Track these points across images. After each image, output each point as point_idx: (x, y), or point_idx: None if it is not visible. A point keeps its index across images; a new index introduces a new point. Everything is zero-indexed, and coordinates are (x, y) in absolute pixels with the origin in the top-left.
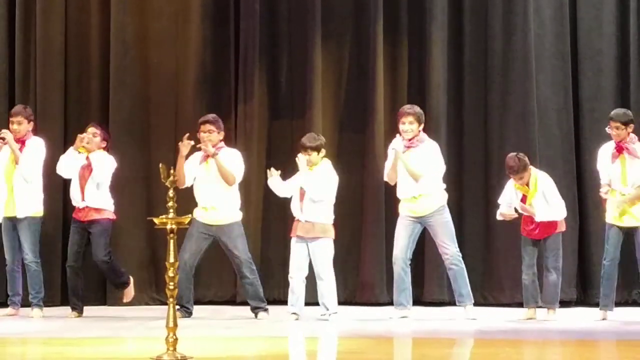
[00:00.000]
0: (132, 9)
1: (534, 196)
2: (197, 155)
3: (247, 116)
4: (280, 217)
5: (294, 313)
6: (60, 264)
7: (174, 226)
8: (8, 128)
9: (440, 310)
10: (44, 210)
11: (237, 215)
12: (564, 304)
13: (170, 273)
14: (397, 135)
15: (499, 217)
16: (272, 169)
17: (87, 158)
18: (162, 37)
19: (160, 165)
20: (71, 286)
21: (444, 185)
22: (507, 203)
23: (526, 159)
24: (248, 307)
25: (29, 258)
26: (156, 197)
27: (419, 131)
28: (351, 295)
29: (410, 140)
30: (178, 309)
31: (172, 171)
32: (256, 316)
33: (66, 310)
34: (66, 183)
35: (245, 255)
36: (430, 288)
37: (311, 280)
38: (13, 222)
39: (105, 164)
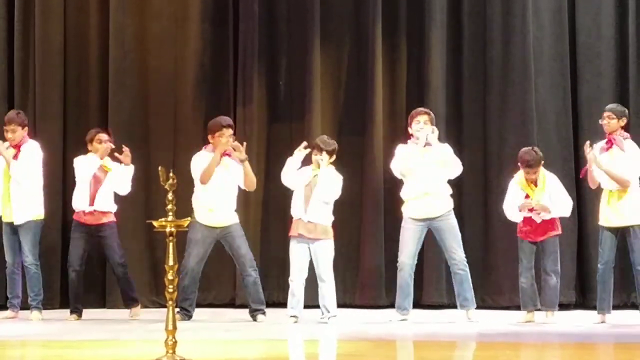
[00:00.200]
0: (131, 10)
1: (541, 195)
2: (209, 157)
3: (246, 118)
4: (280, 219)
5: (294, 316)
6: (60, 267)
7: (173, 229)
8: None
9: (440, 313)
10: (44, 213)
11: (236, 217)
12: (563, 306)
13: (170, 276)
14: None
15: (514, 216)
16: (305, 145)
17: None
18: (161, 39)
19: (160, 168)
20: (74, 290)
21: (451, 190)
22: (513, 205)
23: (541, 153)
24: (247, 310)
25: (29, 260)
26: (155, 200)
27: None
28: (350, 297)
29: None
30: (178, 312)
31: (171, 174)
32: (255, 319)
33: (65, 313)
34: (65, 186)
35: (250, 254)
36: (429, 291)
37: (309, 283)
38: (13, 225)
39: (123, 172)
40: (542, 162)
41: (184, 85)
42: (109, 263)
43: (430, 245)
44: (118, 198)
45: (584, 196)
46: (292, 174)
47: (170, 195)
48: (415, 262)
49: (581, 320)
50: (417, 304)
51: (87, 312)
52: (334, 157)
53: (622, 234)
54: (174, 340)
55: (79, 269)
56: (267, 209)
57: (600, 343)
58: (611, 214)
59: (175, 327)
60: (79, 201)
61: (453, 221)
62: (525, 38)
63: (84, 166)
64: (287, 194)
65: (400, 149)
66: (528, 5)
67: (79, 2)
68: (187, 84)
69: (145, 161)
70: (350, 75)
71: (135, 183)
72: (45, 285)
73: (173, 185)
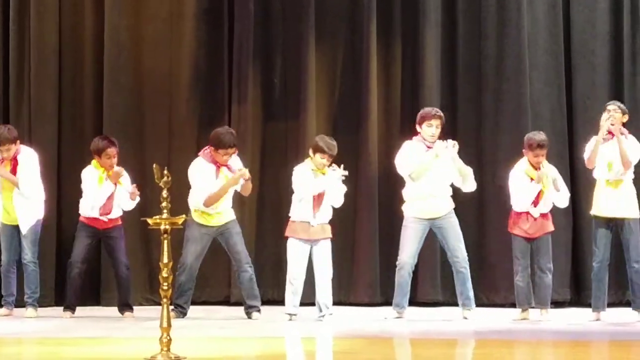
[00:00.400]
0: (126, 10)
1: (546, 179)
2: (210, 170)
3: (241, 117)
4: (275, 217)
5: (291, 314)
6: (54, 264)
7: (167, 227)
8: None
9: (435, 311)
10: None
11: (233, 214)
12: (557, 304)
13: (164, 273)
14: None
15: (525, 204)
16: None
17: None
18: (156, 38)
19: (154, 165)
20: (74, 287)
21: (451, 191)
22: (523, 190)
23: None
24: (242, 308)
25: (28, 258)
26: (150, 198)
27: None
28: (345, 295)
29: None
30: (172, 309)
31: (165, 171)
32: (249, 316)
33: (59, 310)
34: (60, 185)
35: (246, 251)
36: (424, 288)
37: (305, 281)
38: (13, 226)
39: (128, 180)
40: None
41: (178, 85)
42: (114, 264)
43: (427, 243)
44: None
45: (579, 194)
46: (312, 188)
47: (165, 193)
48: (416, 261)
49: (576, 318)
50: (413, 301)
51: (82, 310)
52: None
53: (615, 227)
54: (168, 337)
55: (82, 266)
56: (262, 207)
57: (594, 341)
58: (607, 202)
59: (169, 325)
60: (88, 210)
61: (455, 220)
62: (520, 34)
63: (97, 190)
64: (281, 192)
65: (409, 150)
66: (522, 2)
67: (74, 2)
68: (182, 83)
69: (140, 160)
70: (345, 74)
71: (131, 181)
72: (39, 282)
73: (168, 183)
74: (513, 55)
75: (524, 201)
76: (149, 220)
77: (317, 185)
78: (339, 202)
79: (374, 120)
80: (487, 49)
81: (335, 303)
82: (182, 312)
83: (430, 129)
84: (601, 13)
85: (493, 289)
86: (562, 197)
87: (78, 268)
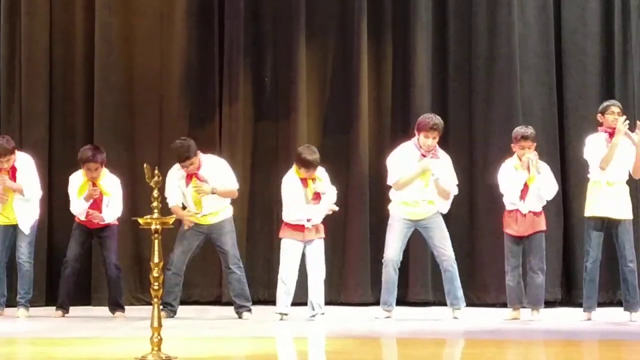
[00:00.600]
0: (117, 8)
1: (534, 179)
2: (178, 176)
3: (232, 116)
4: (266, 217)
5: (282, 313)
6: (46, 265)
7: (158, 226)
8: None
9: (425, 311)
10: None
11: (228, 212)
12: (549, 304)
13: (155, 273)
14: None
15: (514, 196)
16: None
17: (95, 185)
18: (146, 36)
19: (145, 165)
20: (67, 286)
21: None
22: (511, 181)
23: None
24: (232, 308)
25: (24, 258)
26: (141, 197)
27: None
28: (336, 295)
29: (429, 152)
30: (162, 309)
31: (156, 171)
32: (240, 316)
33: (50, 310)
34: (51, 187)
35: (233, 250)
36: (414, 288)
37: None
38: (9, 226)
39: (117, 189)
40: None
41: (169, 83)
42: (104, 263)
43: (417, 243)
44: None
45: (569, 193)
46: (301, 215)
47: (155, 193)
48: (401, 258)
49: (567, 318)
50: (403, 301)
51: (73, 310)
52: None
53: (608, 228)
54: (159, 337)
55: (75, 265)
56: (253, 207)
57: (585, 340)
58: (605, 203)
59: (160, 325)
60: (78, 213)
61: (440, 219)
62: (511, 35)
63: (76, 199)
64: (272, 191)
65: (402, 155)
66: (513, 2)
67: (64, 0)
68: (172, 82)
69: (131, 158)
70: (335, 73)
71: (121, 180)
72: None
73: (158, 183)
74: (504, 55)
75: (511, 192)
76: (140, 220)
77: (306, 213)
78: (333, 202)
79: (365, 119)
80: (478, 49)
81: (326, 303)
82: (171, 311)
83: (427, 140)
84: (592, 13)
85: (484, 289)
86: (547, 187)
87: (72, 267)
